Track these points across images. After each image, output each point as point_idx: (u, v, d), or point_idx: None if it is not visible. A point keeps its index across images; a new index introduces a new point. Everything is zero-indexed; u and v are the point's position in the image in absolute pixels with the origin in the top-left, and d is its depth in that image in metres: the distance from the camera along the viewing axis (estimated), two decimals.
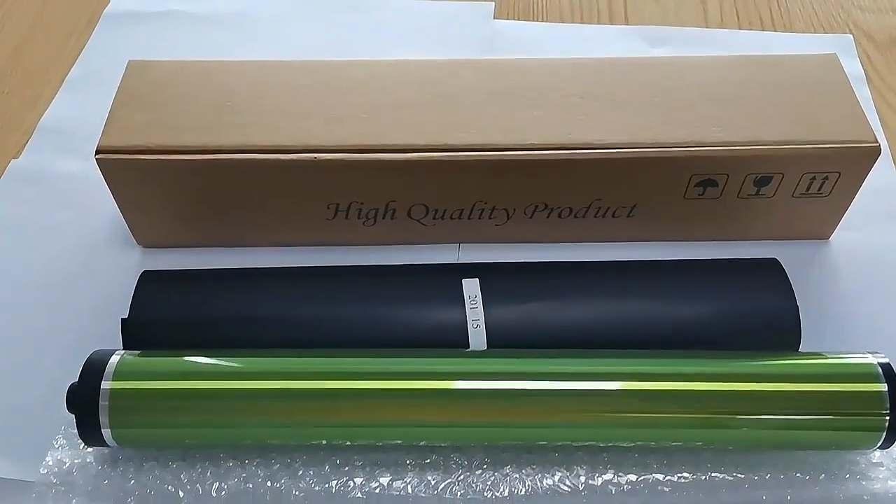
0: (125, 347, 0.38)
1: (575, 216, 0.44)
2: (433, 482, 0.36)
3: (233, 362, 0.37)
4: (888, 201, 0.48)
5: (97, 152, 0.41)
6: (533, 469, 0.37)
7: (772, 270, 0.41)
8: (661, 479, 0.36)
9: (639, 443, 0.36)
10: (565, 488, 0.36)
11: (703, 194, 0.43)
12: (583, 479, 0.36)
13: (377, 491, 0.36)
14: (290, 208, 0.44)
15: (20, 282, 0.45)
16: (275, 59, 0.46)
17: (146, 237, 0.46)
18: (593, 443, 0.36)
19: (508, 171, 0.41)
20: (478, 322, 0.40)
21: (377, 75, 0.44)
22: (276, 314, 0.40)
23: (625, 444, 0.36)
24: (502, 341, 0.40)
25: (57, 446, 0.37)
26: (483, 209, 0.44)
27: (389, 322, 0.40)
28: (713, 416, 0.35)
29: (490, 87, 0.44)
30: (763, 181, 0.42)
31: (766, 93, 0.43)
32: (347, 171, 0.41)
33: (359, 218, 0.44)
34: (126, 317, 0.40)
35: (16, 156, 0.52)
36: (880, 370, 0.35)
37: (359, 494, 0.36)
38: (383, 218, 0.44)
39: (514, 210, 0.44)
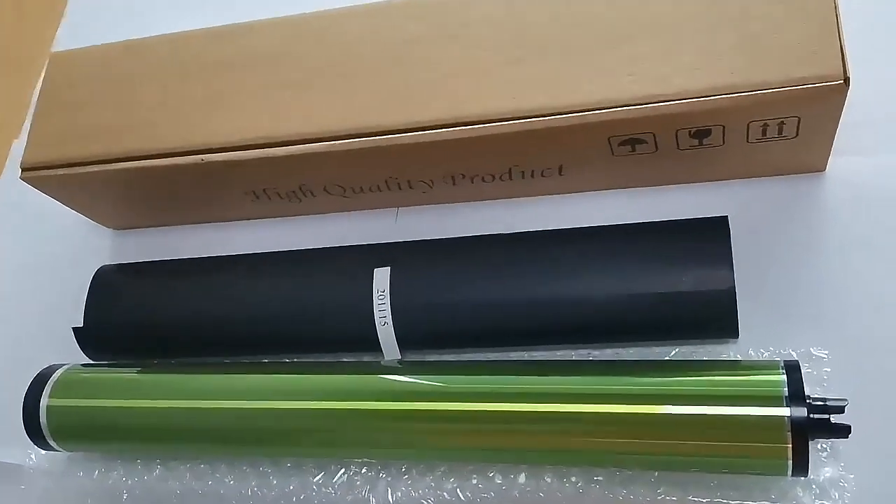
0: (81, 347, 0.42)
1: (500, 179, 0.39)
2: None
3: (160, 380, 0.39)
4: None
5: (22, 170, 0.42)
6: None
7: (713, 237, 0.35)
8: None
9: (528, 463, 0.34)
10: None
11: (634, 151, 0.36)
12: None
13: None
14: (213, 199, 0.43)
15: (9, 268, 0.50)
16: None
17: (109, 223, 0.48)
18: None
19: (392, 156, 0.37)
20: (384, 319, 0.38)
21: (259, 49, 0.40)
22: (199, 313, 0.41)
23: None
24: (411, 337, 0.38)
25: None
26: (399, 183, 0.40)
27: (300, 322, 0.40)
28: (596, 440, 0.32)
29: (383, 42, 0.38)
30: (701, 134, 0.34)
31: (709, 15, 0.33)
32: (236, 169, 0.39)
33: (281, 198, 0.43)
34: (79, 326, 0.42)
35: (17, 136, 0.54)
36: (785, 391, 0.30)
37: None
38: (305, 196, 0.42)
39: (433, 182, 0.40)
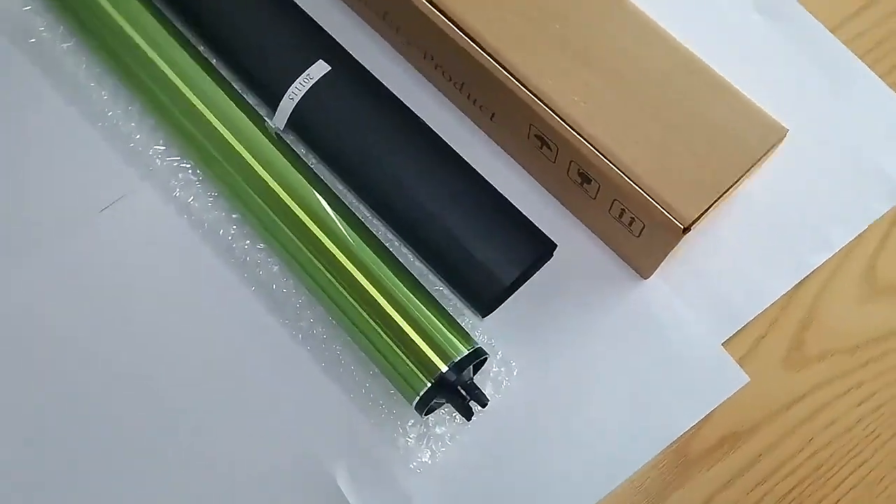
0: None
1: (454, 85, 0.45)
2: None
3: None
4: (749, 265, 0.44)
5: None
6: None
7: (533, 246, 0.41)
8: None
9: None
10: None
11: (540, 148, 0.41)
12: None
13: None
14: None
15: None
16: None
17: None
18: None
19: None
20: (294, 97, 0.44)
21: None
22: None
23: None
24: (298, 125, 0.44)
25: None
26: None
27: (236, 39, 0.45)
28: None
29: None
30: (585, 177, 0.40)
31: (663, 97, 0.38)
32: None
33: None
34: None
35: None
36: (457, 359, 0.38)
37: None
38: None
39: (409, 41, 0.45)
